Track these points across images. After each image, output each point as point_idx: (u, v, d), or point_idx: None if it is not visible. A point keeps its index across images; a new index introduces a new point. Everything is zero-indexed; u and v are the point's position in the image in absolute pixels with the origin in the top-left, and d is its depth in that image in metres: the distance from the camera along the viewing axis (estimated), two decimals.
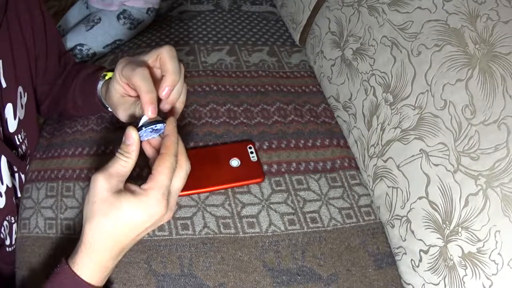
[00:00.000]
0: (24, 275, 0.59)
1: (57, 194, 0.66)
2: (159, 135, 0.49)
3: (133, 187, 0.46)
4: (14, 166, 0.64)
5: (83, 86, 0.71)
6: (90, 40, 0.97)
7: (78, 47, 0.96)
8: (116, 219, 0.44)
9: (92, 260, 0.45)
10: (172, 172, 0.45)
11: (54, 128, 0.78)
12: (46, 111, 0.80)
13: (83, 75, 0.72)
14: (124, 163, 0.45)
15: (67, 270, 0.45)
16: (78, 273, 0.44)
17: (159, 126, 0.47)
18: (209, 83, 0.84)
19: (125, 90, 0.54)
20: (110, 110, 0.65)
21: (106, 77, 0.67)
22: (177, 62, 0.50)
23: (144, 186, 0.45)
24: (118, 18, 1.01)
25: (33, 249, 0.61)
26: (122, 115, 0.55)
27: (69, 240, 0.61)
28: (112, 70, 0.66)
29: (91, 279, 0.45)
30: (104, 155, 0.70)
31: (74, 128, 0.76)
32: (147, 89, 0.46)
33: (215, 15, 1.08)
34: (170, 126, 0.47)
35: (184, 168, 0.48)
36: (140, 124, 0.47)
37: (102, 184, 0.44)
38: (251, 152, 0.69)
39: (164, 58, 0.50)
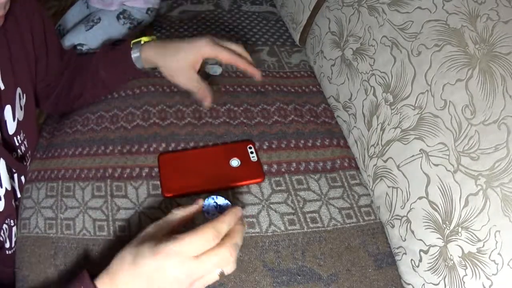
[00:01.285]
0: (24, 275, 0.59)
1: (57, 194, 0.66)
2: (219, 212, 0.54)
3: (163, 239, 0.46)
4: (13, 169, 0.64)
5: (107, 62, 0.75)
6: (90, 39, 0.97)
7: (78, 47, 0.96)
8: (135, 256, 0.44)
9: (106, 285, 0.45)
10: (204, 244, 0.44)
11: (54, 128, 0.78)
12: (50, 108, 0.80)
13: (101, 55, 0.75)
14: (173, 215, 0.50)
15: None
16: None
17: (223, 203, 0.55)
18: (209, 83, 0.84)
19: (196, 62, 0.69)
20: (147, 68, 0.74)
21: (142, 42, 0.73)
22: (225, 50, 0.69)
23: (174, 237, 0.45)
24: (118, 18, 1.01)
25: (33, 249, 0.61)
26: (178, 79, 0.70)
27: (69, 240, 0.61)
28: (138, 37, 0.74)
29: None
30: (104, 155, 0.70)
31: (74, 128, 0.76)
32: (244, 63, 0.70)
33: (215, 15, 1.08)
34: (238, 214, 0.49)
35: (226, 252, 0.45)
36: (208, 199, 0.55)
37: (150, 225, 0.48)
38: (251, 152, 0.69)
39: (213, 55, 0.69)
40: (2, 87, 0.59)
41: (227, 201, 0.56)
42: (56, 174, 0.69)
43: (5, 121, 0.61)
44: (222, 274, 0.46)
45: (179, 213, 0.50)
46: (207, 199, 0.54)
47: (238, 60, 0.69)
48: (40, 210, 0.65)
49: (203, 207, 0.54)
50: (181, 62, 0.68)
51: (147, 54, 0.71)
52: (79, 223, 0.62)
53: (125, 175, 0.67)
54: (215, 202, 0.55)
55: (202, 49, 0.68)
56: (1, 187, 0.60)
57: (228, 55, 0.68)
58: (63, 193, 0.66)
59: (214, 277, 0.46)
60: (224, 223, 0.46)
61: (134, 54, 0.71)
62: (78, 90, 0.77)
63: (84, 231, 0.62)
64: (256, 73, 0.71)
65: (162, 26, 1.04)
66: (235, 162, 0.67)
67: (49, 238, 0.61)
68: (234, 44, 0.71)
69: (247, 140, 0.72)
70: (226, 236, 0.46)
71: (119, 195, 0.65)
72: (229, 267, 0.46)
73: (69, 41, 0.97)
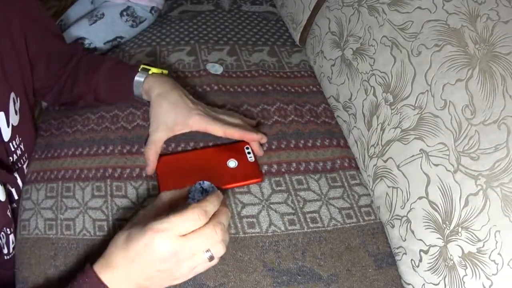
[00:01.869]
0: (24, 276, 0.59)
1: (57, 195, 0.66)
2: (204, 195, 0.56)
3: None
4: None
5: (109, 81, 0.74)
6: (92, 34, 0.97)
7: (80, 41, 0.96)
8: (128, 236, 0.47)
9: (105, 268, 0.47)
10: (188, 222, 0.46)
11: (52, 126, 0.78)
12: (51, 101, 0.80)
13: (106, 69, 0.74)
14: (161, 197, 0.54)
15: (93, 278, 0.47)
16: (98, 274, 0.47)
17: (208, 187, 0.57)
18: (210, 82, 0.84)
19: (179, 130, 0.67)
20: (144, 99, 0.72)
21: (150, 72, 0.71)
22: (214, 124, 0.66)
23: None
24: (121, 14, 1.01)
25: (33, 250, 0.61)
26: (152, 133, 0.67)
27: (69, 241, 0.61)
28: (148, 65, 0.73)
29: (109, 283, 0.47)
30: (104, 155, 0.70)
31: (74, 128, 0.76)
32: (238, 134, 0.68)
33: (215, 15, 1.08)
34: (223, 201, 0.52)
35: (208, 231, 0.47)
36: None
37: (138, 213, 0.52)
38: (248, 153, 0.68)
39: (201, 129, 0.67)
40: None
41: (212, 186, 0.57)
42: (55, 174, 0.69)
43: (0, 129, 0.61)
44: (211, 258, 0.47)
45: (167, 196, 0.53)
46: (194, 185, 0.57)
47: (234, 133, 0.67)
48: (40, 211, 0.65)
49: (189, 192, 0.56)
50: (169, 122, 0.67)
51: (149, 85, 0.69)
52: (79, 223, 0.62)
53: (125, 175, 0.67)
54: (201, 187, 0.57)
55: (191, 120, 0.66)
56: None
57: (221, 128, 0.66)
58: (63, 194, 0.66)
59: (203, 260, 0.47)
60: (209, 202, 0.48)
61: (138, 78, 0.70)
62: (78, 95, 0.77)
63: (84, 231, 0.62)
64: (258, 151, 0.69)
65: (163, 26, 1.04)
66: (232, 163, 0.67)
67: (49, 239, 0.61)
68: (231, 115, 0.70)
69: (244, 141, 0.72)
70: (211, 217, 0.48)
71: (119, 195, 0.65)
72: (217, 249, 0.47)
73: (71, 34, 0.97)
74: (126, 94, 0.73)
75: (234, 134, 0.68)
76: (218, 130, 0.67)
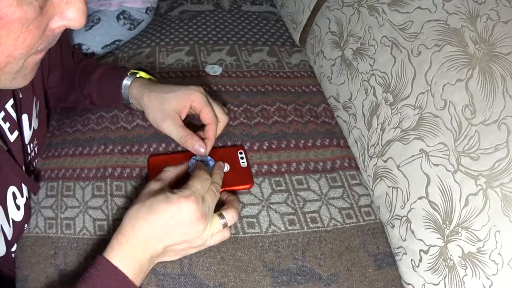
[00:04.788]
0: (24, 275, 0.59)
1: (57, 194, 0.66)
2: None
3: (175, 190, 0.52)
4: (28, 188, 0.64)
5: (100, 86, 0.73)
6: (89, 40, 0.97)
7: (76, 47, 0.96)
8: (149, 207, 0.50)
9: (122, 245, 0.49)
10: (203, 182, 0.53)
11: (53, 127, 0.78)
12: (50, 106, 0.81)
13: (99, 74, 0.74)
14: (168, 172, 0.58)
15: (102, 261, 0.49)
16: (110, 260, 0.48)
17: (198, 157, 0.64)
18: (209, 83, 0.84)
19: (183, 107, 0.64)
20: (133, 104, 0.72)
21: (138, 75, 0.71)
22: (211, 108, 0.64)
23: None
24: (118, 18, 1.01)
25: (33, 249, 0.61)
26: (161, 124, 0.65)
27: (69, 240, 0.61)
28: (139, 69, 0.73)
29: (121, 266, 0.49)
30: (104, 154, 0.70)
31: (74, 127, 0.76)
32: (214, 132, 0.65)
33: (215, 15, 1.08)
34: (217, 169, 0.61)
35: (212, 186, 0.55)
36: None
37: (149, 184, 0.54)
38: (241, 158, 0.68)
39: (198, 107, 0.64)
40: (20, 95, 0.59)
41: (205, 156, 0.64)
42: (56, 173, 0.69)
43: (23, 131, 0.61)
44: (225, 224, 0.54)
45: (172, 171, 0.58)
46: (189, 161, 0.63)
47: (212, 126, 0.65)
48: (40, 210, 0.65)
49: (188, 167, 0.62)
50: (166, 106, 0.64)
51: (135, 86, 0.69)
52: (79, 222, 0.62)
53: (125, 175, 0.67)
54: (196, 160, 0.63)
55: (193, 95, 0.64)
56: (22, 197, 0.61)
57: (209, 117, 0.64)
58: (63, 193, 0.66)
59: (219, 226, 0.54)
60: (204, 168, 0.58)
61: (125, 81, 0.70)
62: (75, 101, 0.77)
63: (84, 230, 0.62)
64: (202, 152, 0.64)
65: (162, 26, 1.04)
66: (224, 167, 0.66)
67: (49, 238, 0.61)
68: (222, 110, 0.68)
69: (239, 145, 0.71)
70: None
71: (119, 195, 0.65)
72: (230, 215, 0.55)
73: None
74: (116, 99, 0.72)
75: (209, 129, 0.66)
76: (208, 118, 0.64)
